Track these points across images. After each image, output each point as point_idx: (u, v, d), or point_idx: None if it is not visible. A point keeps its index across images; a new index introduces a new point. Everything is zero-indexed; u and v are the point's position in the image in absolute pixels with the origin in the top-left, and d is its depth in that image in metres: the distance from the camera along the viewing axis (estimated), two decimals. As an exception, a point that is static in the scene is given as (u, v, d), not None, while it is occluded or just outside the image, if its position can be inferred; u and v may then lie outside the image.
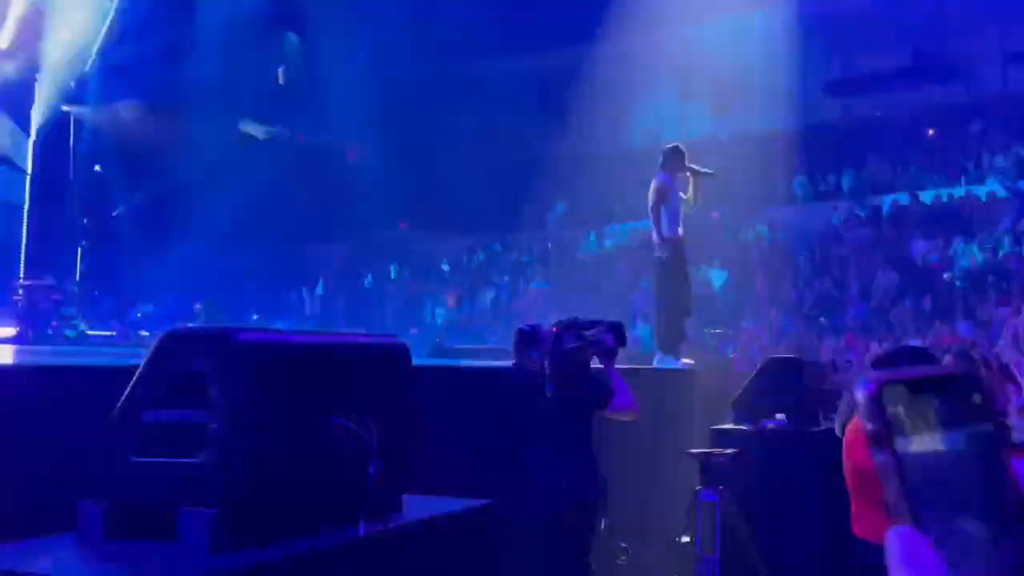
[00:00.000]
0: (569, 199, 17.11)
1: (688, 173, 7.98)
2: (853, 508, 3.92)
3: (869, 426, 0.61)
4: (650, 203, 7.78)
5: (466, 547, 2.29)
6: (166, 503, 1.81)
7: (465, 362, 6.97)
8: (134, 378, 1.92)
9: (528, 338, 4.68)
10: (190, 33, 16.54)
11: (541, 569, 4.71)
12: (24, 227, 16.19)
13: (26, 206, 16.25)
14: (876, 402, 0.60)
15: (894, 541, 0.61)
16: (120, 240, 16.82)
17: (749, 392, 6.37)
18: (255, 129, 18.18)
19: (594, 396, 4.61)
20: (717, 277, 14.18)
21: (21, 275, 14.73)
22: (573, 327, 4.57)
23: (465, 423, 4.42)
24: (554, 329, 4.56)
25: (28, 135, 16.35)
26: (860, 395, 0.61)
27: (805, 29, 15.21)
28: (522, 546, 4.71)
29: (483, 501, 2.37)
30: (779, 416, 6.23)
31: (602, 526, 4.68)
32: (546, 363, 4.35)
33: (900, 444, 0.60)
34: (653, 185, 7.83)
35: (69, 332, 13.21)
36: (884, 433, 0.60)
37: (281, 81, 18.50)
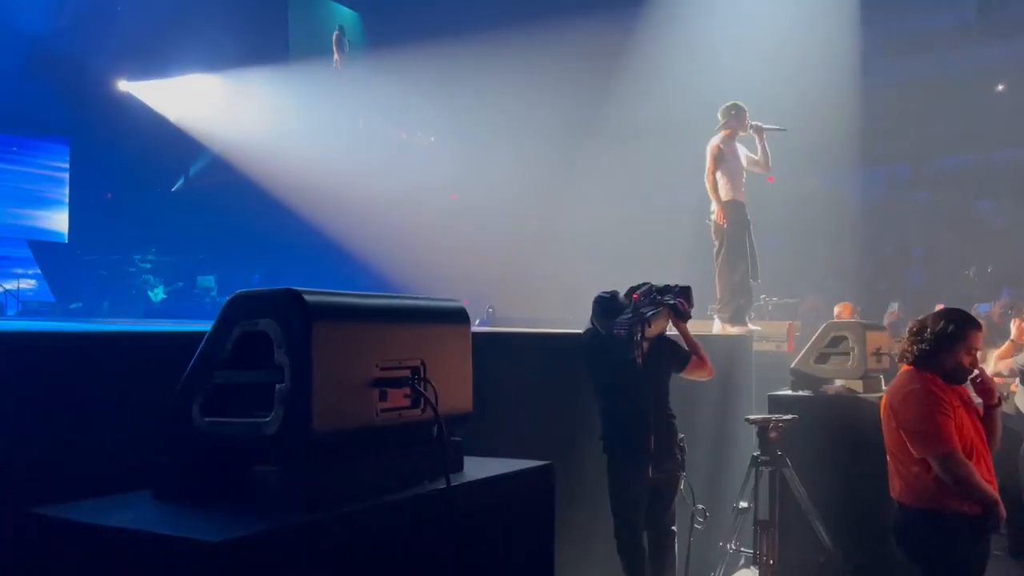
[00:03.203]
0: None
1: (752, 131, 7.52)
2: (890, 470, 3.91)
3: None
4: (705, 166, 7.43)
5: (527, 506, 2.31)
6: (237, 462, 1.86)
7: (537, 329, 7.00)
8: (204, 341, 1.98)
9: (609, 305, 4.75)
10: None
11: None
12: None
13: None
14: None
15: None
16: (180, 213, 17.12)
17: (808, 358, 6.33)
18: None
19: (675, 358, 4.76)
20: (773, 243, 13.96)
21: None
22: (650, 293, 4.64)
23: (539, 388, 4.48)
24: (635, 296, 4.63)
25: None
26: None
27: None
28: (598, 510, 4.75)
29: (543, 462, 2.39)
30: (838, 382, 6.18)
31: (681, 487, 4.78)
32: (632, 329, 4.40)
33: None
34: (708, 146, 7.39)
35: (153, 296, 14.41)
36: None
37: (336, 58, 18.49)
